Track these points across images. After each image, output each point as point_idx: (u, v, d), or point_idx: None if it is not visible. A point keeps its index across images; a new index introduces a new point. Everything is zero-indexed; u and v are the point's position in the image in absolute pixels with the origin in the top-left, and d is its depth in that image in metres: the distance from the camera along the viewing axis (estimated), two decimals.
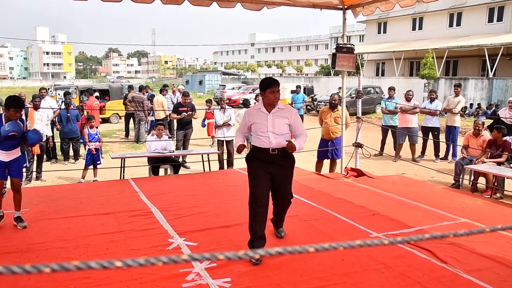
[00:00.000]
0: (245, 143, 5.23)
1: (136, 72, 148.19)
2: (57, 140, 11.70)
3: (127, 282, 4.05)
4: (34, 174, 9.68)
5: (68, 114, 11.36)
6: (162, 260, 1.06)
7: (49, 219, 5.95)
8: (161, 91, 15.47)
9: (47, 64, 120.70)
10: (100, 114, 16.22)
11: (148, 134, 12.97)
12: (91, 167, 9.67)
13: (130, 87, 18.25)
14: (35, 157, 9.64)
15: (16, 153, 5.70)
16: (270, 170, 4.89)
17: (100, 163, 9.82)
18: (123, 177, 8.85)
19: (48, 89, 19.57)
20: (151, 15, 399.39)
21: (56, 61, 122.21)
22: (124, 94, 17.57)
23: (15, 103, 5.44)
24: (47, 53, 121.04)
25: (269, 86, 4.83)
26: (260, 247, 4.72)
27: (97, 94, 20.49)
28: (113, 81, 60.37)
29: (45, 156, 10.63)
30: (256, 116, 4.98)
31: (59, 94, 21.19)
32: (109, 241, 5.16)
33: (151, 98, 16.00)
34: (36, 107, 9.81)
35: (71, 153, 11.83)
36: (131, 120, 16.72)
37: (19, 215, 5.72)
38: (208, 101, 14.43)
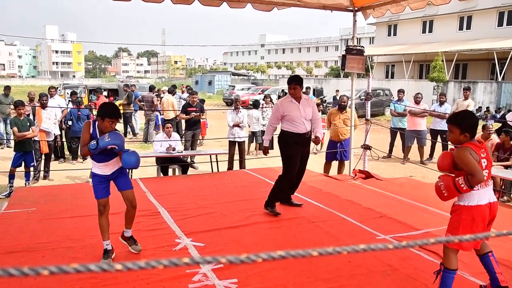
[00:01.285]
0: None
1: (146, 72, 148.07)
2: (65, 139, 11.77)
3: (133, 282, 4.05)
4: (41, 173, 9.71)
5: (79, 113, 11.41)
6: (163, 263, 1.06)
7: (56, 219, 5.97)
8: (170, 92, 15.48)
9: (56, 63, 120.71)
10: None
11: (156, 133, 13.00)
12: None
13: (127, 86, 18.23)
14: (43, 156, 9.66)
15: (117, 163, 4.72)
16: (302, 150, 6.16)
17: None
18: (131, 177, 8.85)
19: (57, 88, 19.62)
20: (159, 15, 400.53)
21: (65, 60, 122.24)
22: (127, 94, 17.49)
23: (112, 113, 4.54)
24: (56, 51, 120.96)
25: (288, 84, 6.26)
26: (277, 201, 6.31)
27: (105, 93, 20.52)
28: (122, 80, 60.66)
29: (53, 155, 10.66)
30: (287, 106, 6.13)
31: (68, 93, 21.28)
32: (116, 241, 5.16)
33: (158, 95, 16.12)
34: (44, 106, 9.84)
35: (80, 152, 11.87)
36: (133, 120, 16.88)
37: (131, 235, 4.95)
38: (201, 101, 14.37)
